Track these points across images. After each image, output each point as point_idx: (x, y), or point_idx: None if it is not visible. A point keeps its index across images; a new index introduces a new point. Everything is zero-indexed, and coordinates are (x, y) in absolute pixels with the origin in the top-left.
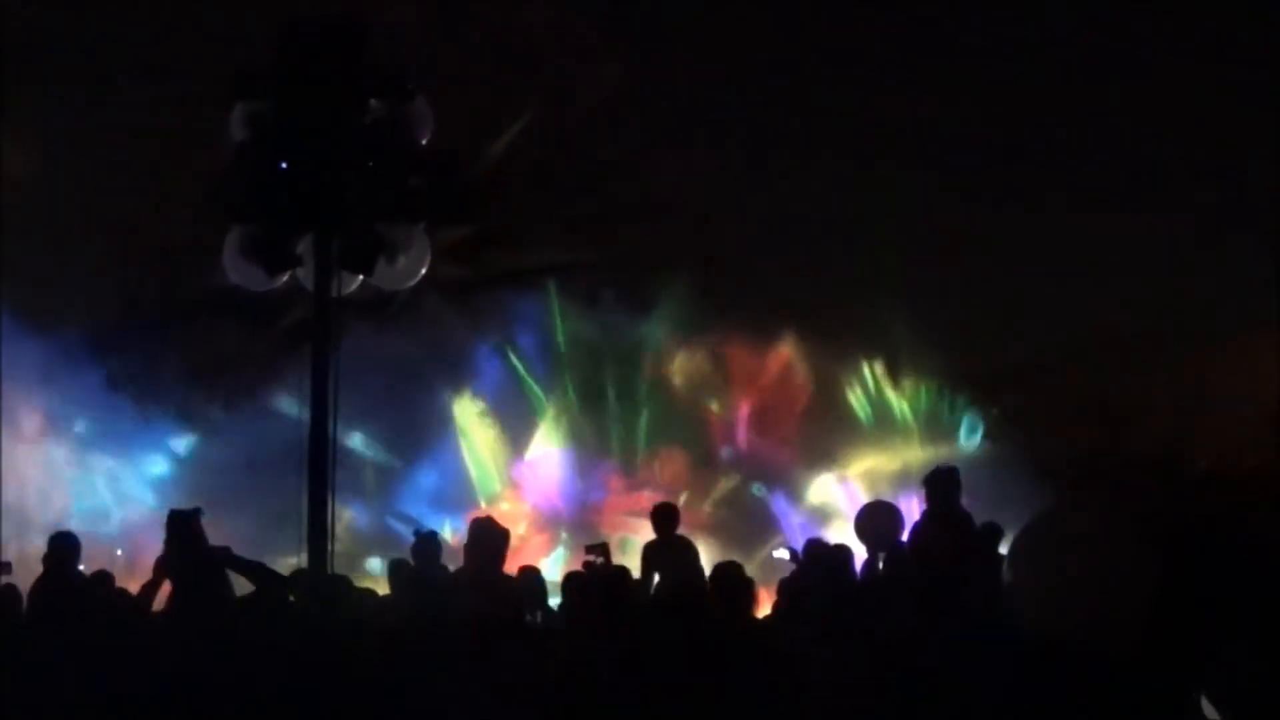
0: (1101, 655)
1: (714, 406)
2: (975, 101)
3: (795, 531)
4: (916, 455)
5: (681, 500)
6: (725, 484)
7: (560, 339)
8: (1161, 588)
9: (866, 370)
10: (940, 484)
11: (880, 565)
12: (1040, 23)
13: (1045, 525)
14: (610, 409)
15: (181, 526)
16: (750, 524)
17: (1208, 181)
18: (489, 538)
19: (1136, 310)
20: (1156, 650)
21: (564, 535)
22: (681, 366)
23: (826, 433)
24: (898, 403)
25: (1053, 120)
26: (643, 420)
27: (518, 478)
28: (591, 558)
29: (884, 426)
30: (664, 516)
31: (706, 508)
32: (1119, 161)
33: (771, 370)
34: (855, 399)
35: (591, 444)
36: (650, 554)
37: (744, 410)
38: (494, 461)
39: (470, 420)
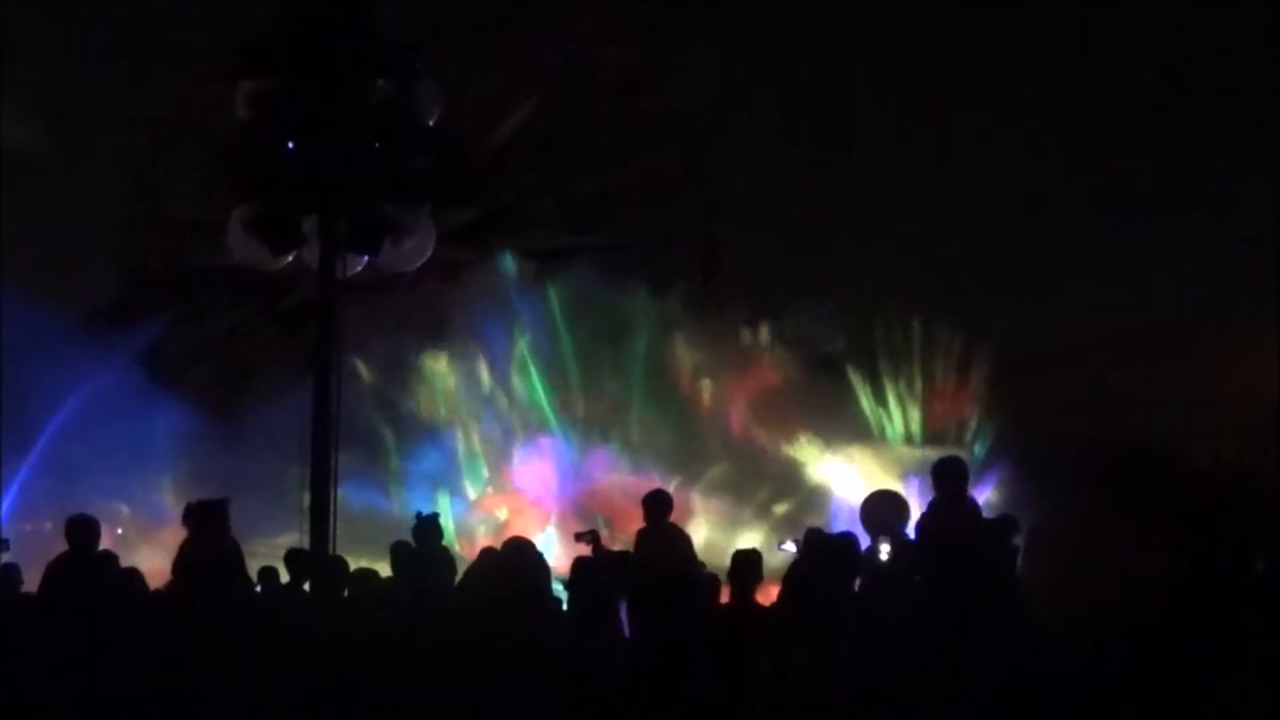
0: (1114, 647)
1: (708, 391)
2: (983, 97)
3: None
4: (913, 452)
5: (674, 486)
6: (717, 470)
7: (559, 323)
8: (1173, 582)
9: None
10: (948, 474)
11: (882, 552)
12: (1058, 24)
13: (1060, 522)
14: (607, 393)
15: (210, 517)
16: (741, 509)
17: (1211, 178)
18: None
19: (1137, 305)
20: (1167, 642)
21: (553, 518)
22: (679, 351)
23: (822, 422)
24: (896, 401)
25: (1058, 116)
26: (636, 404)
27: (509, 464)
28: (583, 544)
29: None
30: (657, 503)
31: (697, 495)
32: (1123, 156)
33: (767, 356)
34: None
35: (587, 428)
36: (644, 540)
37: (739, 396)
38: (485, 447)
39: (466, 403)
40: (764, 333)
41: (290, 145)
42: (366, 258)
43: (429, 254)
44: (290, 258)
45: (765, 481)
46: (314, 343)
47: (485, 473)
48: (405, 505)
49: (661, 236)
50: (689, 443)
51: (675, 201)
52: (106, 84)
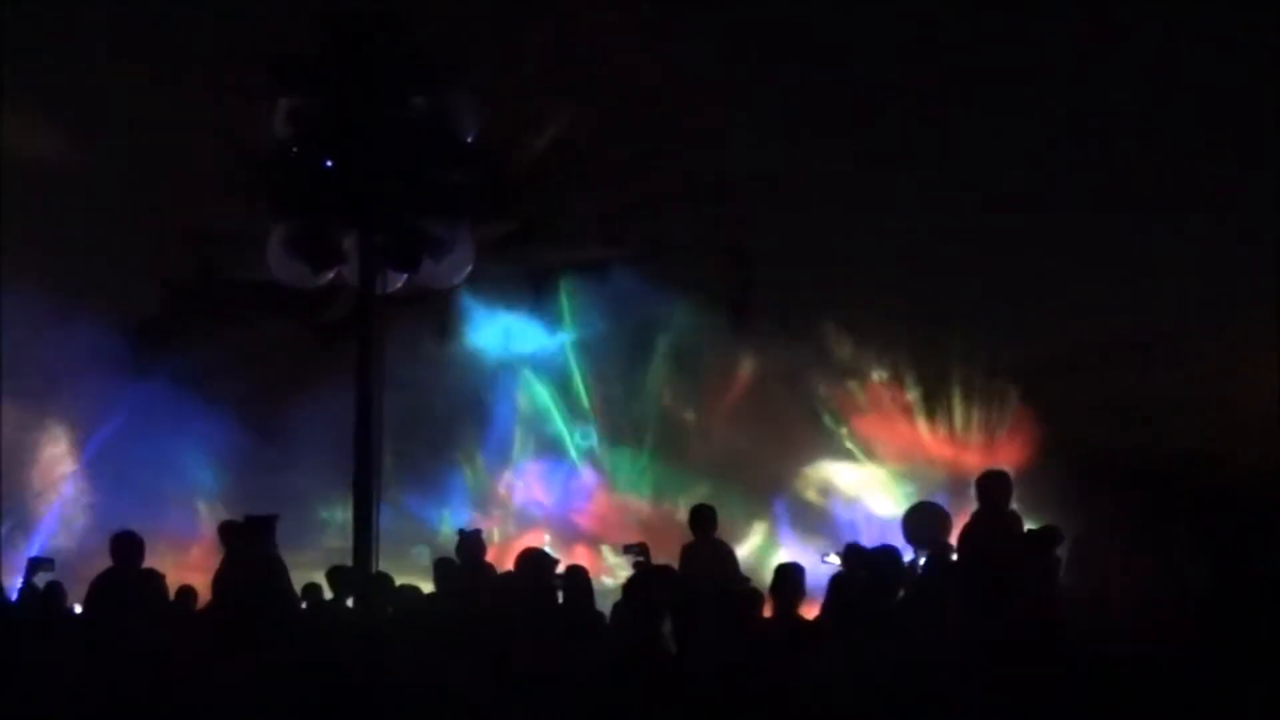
0: (1156, 661)
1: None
2: (1000, 100)
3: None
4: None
5: (668, 503)
6: (698, 488)
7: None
8: (1215, 588)
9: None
10: (992, 487)
11: (921, 565)
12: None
13: (1099, 530)
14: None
15: (256, 532)
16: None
17: (1236, 177)
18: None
19: (1164, 308)
20: (1210, 649)
21: (547, 538)
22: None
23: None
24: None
25: (1076, 118)
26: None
27: (506, 482)
28: (630, 557)
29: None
30: (703, 518)
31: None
32: (1128, 157)
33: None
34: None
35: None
36: (690, 554)
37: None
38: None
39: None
40: (755, 360)
41: (327, 161)
42: (406, 275)
43: (469, 269)
44: (330, 275)
45: (755, 497)
46: (354, 358)
47: (486, 489)
48: (406, 519)
49: (695, 246)
50: (684, 459)
51: (707, 210)
52: (134, 92)
